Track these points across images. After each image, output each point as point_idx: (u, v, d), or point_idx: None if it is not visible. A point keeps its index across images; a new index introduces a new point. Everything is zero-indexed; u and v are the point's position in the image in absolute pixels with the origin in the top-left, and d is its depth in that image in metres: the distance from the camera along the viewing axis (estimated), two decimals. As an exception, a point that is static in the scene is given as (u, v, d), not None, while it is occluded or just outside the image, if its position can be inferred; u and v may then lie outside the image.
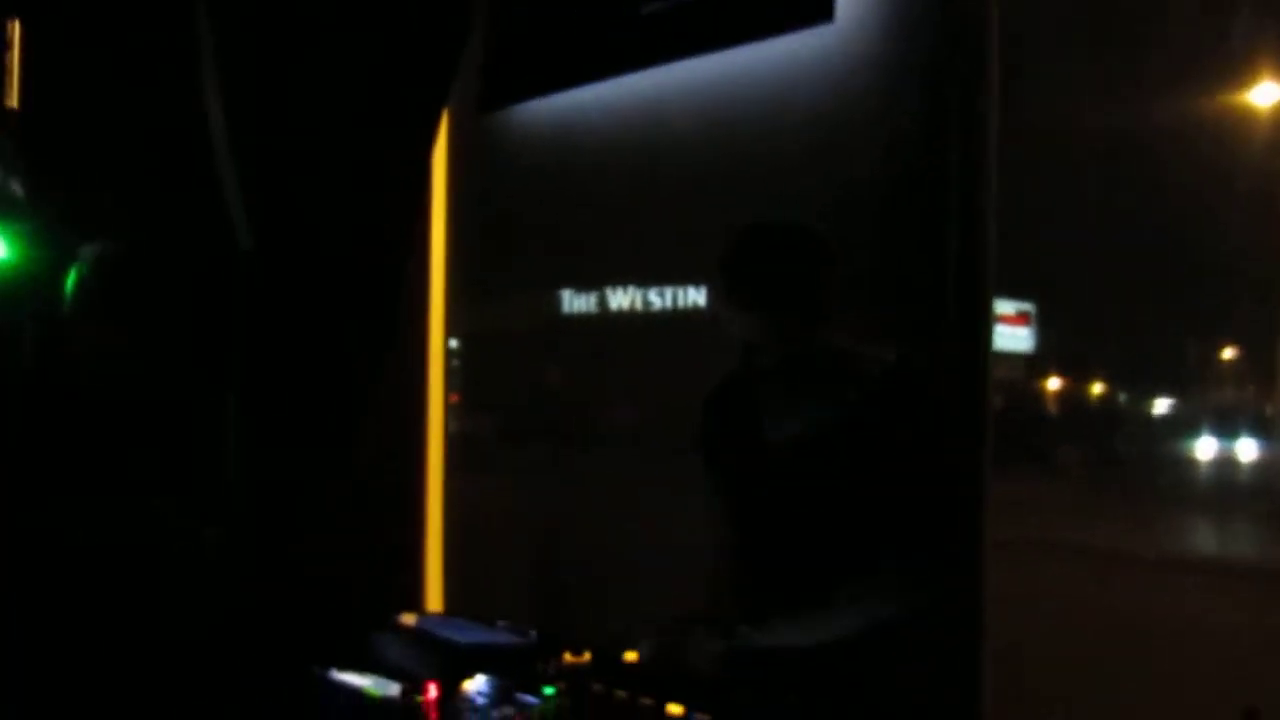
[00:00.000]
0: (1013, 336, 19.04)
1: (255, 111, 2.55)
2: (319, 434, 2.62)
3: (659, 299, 4.14)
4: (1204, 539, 9.95)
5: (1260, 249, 16.10)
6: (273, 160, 2.58)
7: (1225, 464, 15.47)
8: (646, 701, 1.41)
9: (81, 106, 2.65)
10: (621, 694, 1.44)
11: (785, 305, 1.66)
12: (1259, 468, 14.79)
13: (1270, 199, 15.07)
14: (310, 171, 2.62)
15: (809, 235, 1.70)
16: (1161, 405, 22.22)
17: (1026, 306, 19.06)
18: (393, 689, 1.45)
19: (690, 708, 1.39)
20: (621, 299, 4.21)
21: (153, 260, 2.47)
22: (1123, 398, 23.28)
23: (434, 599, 3.17)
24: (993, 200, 2.38)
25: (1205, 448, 17.01)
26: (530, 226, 4.06)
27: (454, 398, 4.39)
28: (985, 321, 2.46)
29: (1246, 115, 14.07)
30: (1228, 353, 22.02)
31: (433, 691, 1.42)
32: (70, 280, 2.15)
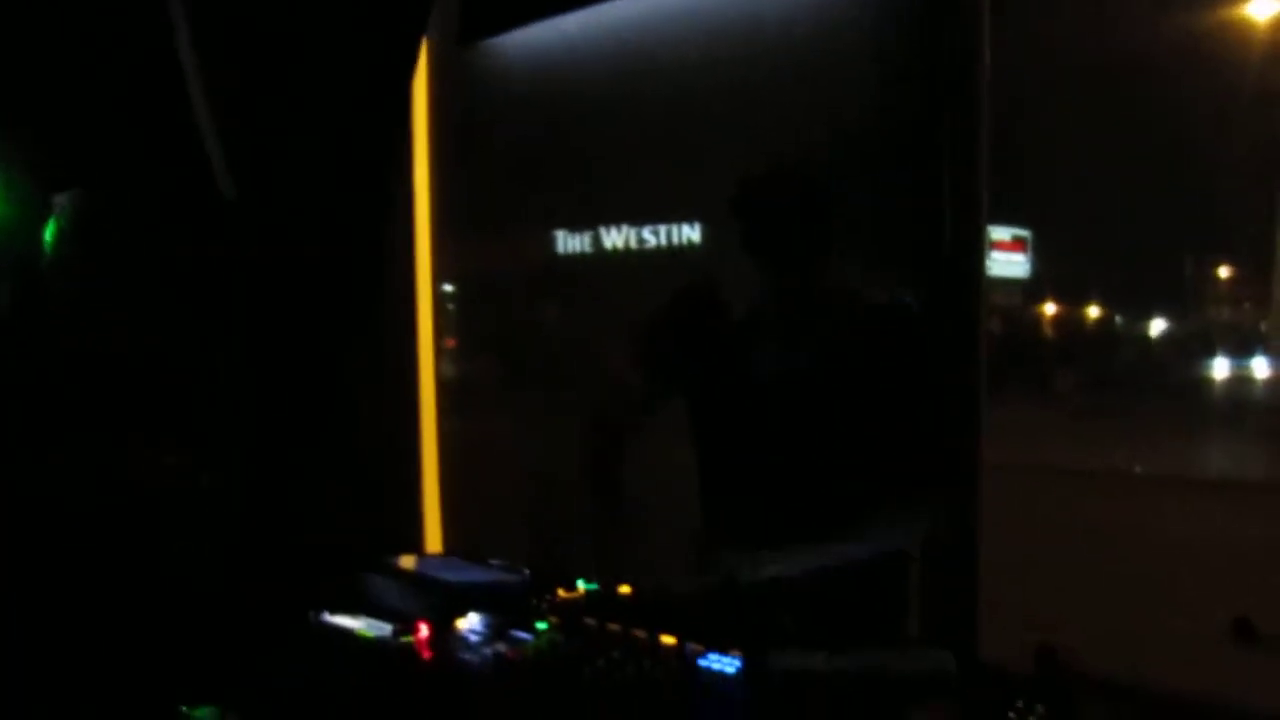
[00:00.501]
0: (1009, 263, 18.98)
1: (230, 52, 2.48)
2: (309, 378, 2.61)
3: (653, 237, 4.10)
4: (1193, 457, 10.03)
5: (1258, 166, 15.97)
6: (250, 103, 2.52)
7: (1224, 384, 15.49)
8: (640, 634, 1.41)
9: (51, 52, 2.59)
10: (615, 627, 1.44)
11: (786, 249, 1.75)
12: (1255, 386, 14.81)
13: (1268, 115, 14.90)
14: (290, 114, 2.57)
15: (808, 181, 1.77)
16: (1158, 326, 22.24)
17: (1023, 233, 18.96)
18: (385, 630, 1.45)
19: (682, 638, 1.39)
20: (615, 238, 4.16)
21: (133, 209, 2.43)
22: (1119, 320, 23.29)
23: (432, 542, 3.18)
24: (986, 123, 2.34)
25: (1217, 368, 16.99)
26: (518, 164, 3.99)
27: (450, 342, 4.36)
28: (979, 249, 2.43)
29: (1244, 29, 13.82)
30: (1224, 271, 21.98)
31: (424, 631, 1.42)
32: (49, 231, 2.12)
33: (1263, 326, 16.71)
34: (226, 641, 1.73)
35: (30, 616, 1.93)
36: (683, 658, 1.34)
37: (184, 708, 1.44)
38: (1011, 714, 1.13)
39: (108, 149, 2.48)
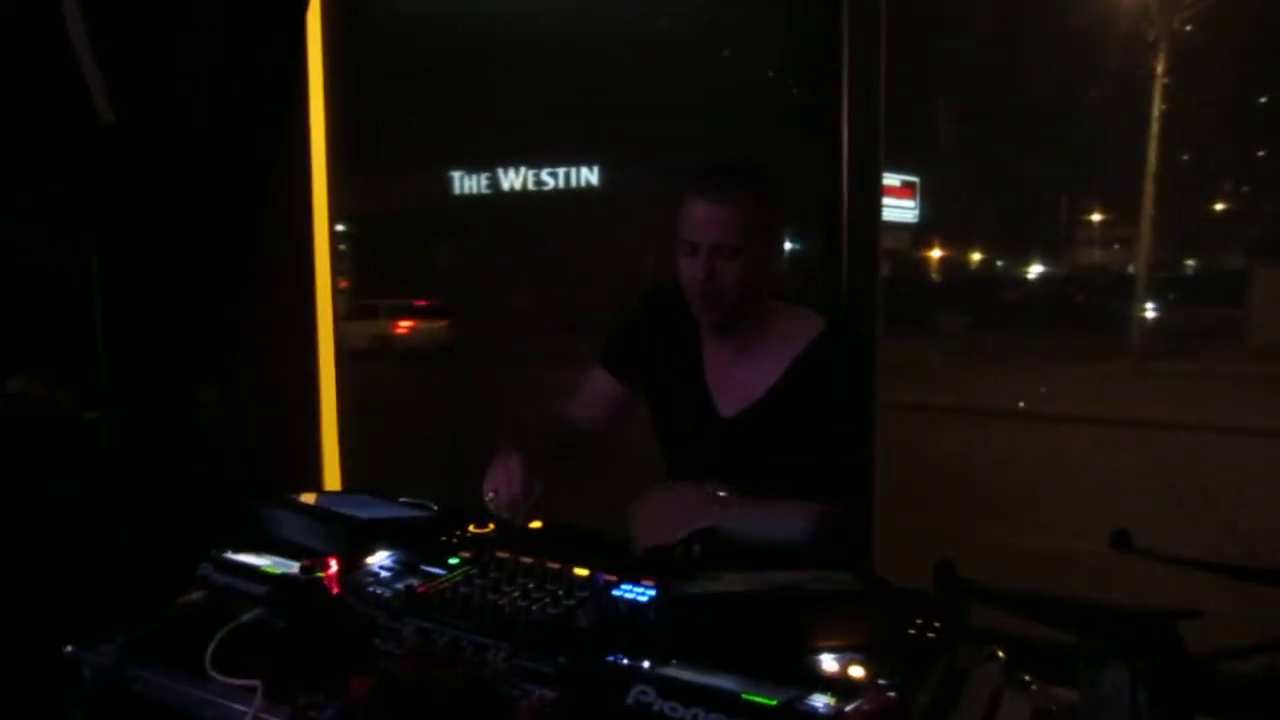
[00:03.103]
0: (899, 208, 19.42)
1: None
2: (197, 313, 2.51)
3: (551, 179, 4.05)
4: (1065, 390, 10.58)
5: (1125, 113, 16.70)
6: (132, 27, 2.37)
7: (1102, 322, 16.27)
8: (553, 565, 1.42)
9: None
10: (528, 559, 1.45)
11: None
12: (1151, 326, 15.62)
13: (1135, 63, 15.58)
14: (174, 38, 2.43)
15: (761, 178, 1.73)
16: (1035, 269, 23.21)
17: (911, 178, 19.40)
18: (292, 567, 1.42)
19: (594, 569, 1.41)
20: (513, 179, 4.10)
21: (6, 130, 2.27)
22: (1000, 263, 24.21)
23: (331, 481, 3.12)
24: (881, 72, 2.38)
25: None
26: (414, 104, 3.87)
27: (343, 283, 4.23)
28: (875, 196, 2.49)
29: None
30: (1096, 215, 23.02)
31: (334, 566, 1.39)
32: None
33: (1130, 268, 17.62)
34: (120, 580, 1.68)
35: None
36: (597, 587, 1.36)
37: (69, 648, 1.39)
38: (912, 629, 1.19)
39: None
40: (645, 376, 1.94)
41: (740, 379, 1.78)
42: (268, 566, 1.44)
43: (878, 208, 2.50)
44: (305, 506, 1.62)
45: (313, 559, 1.40)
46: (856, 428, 1.78)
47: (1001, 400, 9.99)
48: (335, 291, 3.45)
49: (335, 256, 3.57)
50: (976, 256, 24.85)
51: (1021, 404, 9.91)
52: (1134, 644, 0.97)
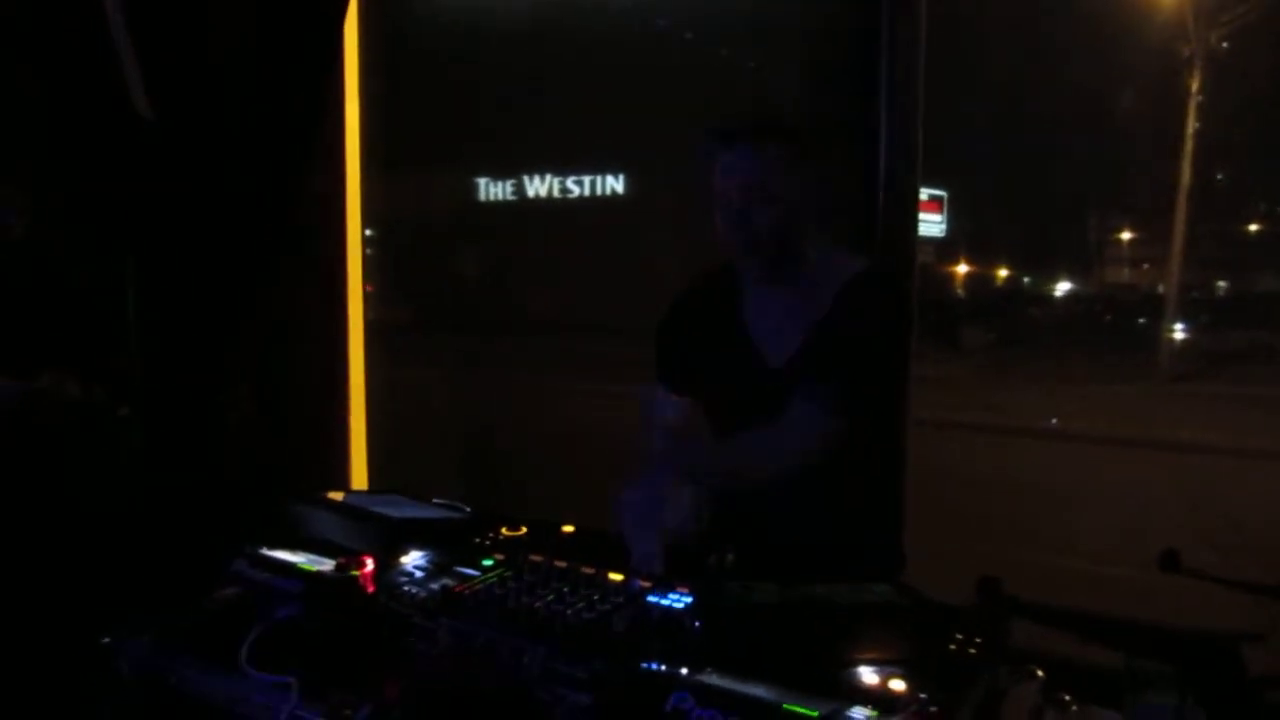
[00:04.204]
0: (926, 222, 19.33)
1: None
2: (230, 312, 2.52)
3: (576, 187, 4.06)
4: (1088, 411, 10.47)
5: (1158, 131, 16.56)
6: (172, 26, 2.39)
7: (1129, 343, 16.08)
8: (588, 570, 1.41)
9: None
10: (562, 563, 1.44)
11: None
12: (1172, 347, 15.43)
13: (1170, 80, 15.44)
14: (212, 39, 2.45)
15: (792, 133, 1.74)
16: (1062, 287, 23.03)
17: (939, 193, 19.33)
18: (326, 564, 1.42)
19: (629, 575, 1.40)
20: (539, 186, 4.11)
21: (46, 128, 2.29)
22: (1027, 280, 24.05)
23: (359, 483, 3.13)
24: (920, 88, 2.37)
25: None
26: (446, 111, 3.88)
27: (368, 287, 4.25)
28: (912, 208, 2.48)
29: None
30: (1126, 234, 22.82)
31: (369, 565, 1.39)
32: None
33: (1160, 288, 17.43)
34: (153, 573, 1.68)
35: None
36: (632, 593, 1.35)
37: (106, 639, 1.40)
38: (952, 645, 1.17)
39: (18, 71, 2.33)
40: (695, 364, 1.92)
41: (788, 329, 1.78)
42: (303, 563, 1.44)
43: (914, 226, 2.48)
44: (340, 505, 1.62)
45: (348, 557, 1.40)
46: (884, 359, 1.75)
47: (1029, 419, 9.89)
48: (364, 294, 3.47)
49: (362, 260, 3.59)
50: (1003, 273, 24.69)
51: (1054, 421, 9.81)
52: (1194, 667, 0.94)
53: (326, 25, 2.69)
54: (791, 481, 1.72)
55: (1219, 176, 19.08)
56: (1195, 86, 14.62)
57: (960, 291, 23.03)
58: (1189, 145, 14.64)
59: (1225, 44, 14.81)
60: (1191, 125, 14.65)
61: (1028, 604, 1.10)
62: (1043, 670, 1.24)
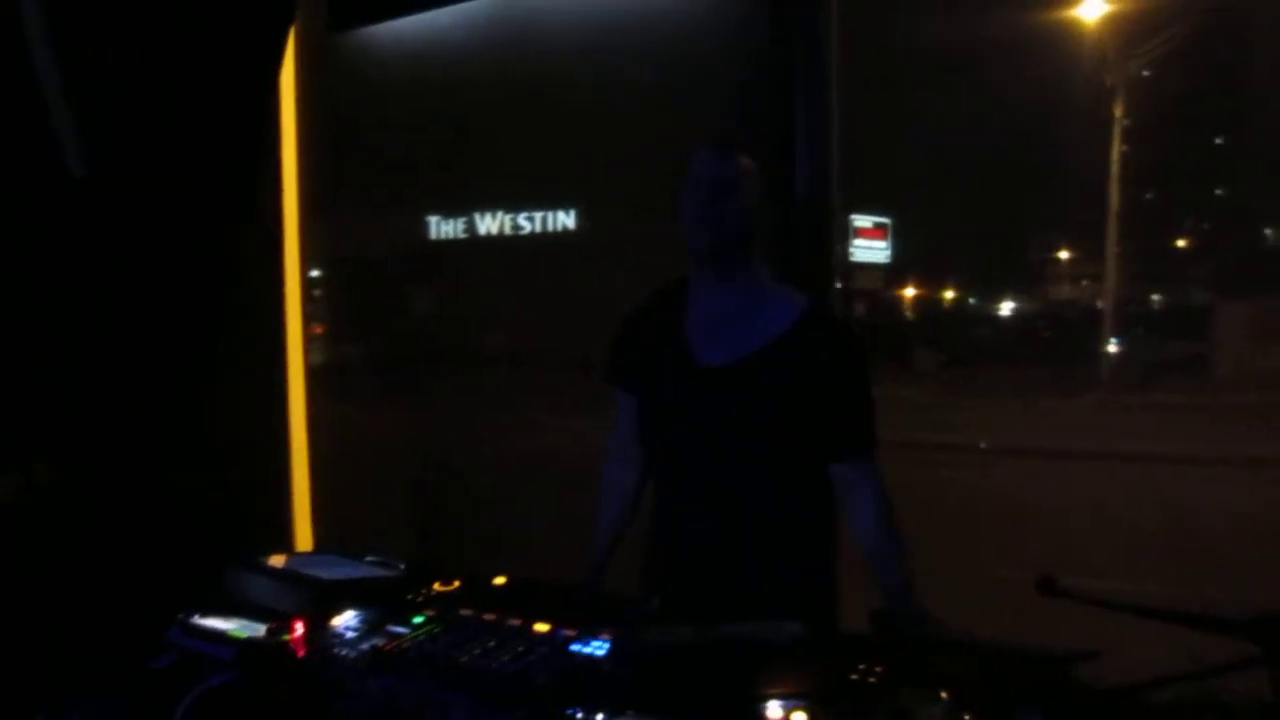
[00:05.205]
0: (871, 248, 19.69)
1: (83, 24, 2.36)
2: (166, 368, 2.52)
3: (528, 223, 4.12)
4: (1035, 428, 10.68)
5: (1088, 155, 17.10)
6: (105, 78, 2.40)
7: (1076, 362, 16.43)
8: (515, 621, 1.46)
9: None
10: (490, 616, 1.48)
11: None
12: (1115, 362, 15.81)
13: (1096, 107, 15.99)
14: (147, 90, 2.45)
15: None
16: (1007, 306, 23.52)
17: (884, 220, 19.71)
18: (258, 629, 1.45)
19: (556, 624, 1.44)
20: (490, 224, 4.16)
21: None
22: (973, 300, 24.54)
23: (303, 540, 3.14)
24: (835, 114, 2.46)
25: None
26: (390, 151, 3.93)
27: (317, 329, 4.25)
28: (828, 234, 2.56)
29: (1074, 28, 14.78)
30: (1064, 254, 23.41)
31: (299, 629, 1.42)
32: None
33: (1099, 303, 17.88)
34: (86, 646, 1.68)
35: None
36: (555, 642, 1.40)
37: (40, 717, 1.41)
38: (854, 676, 1.24)
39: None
40: (636, 363, 2.01)
41: (722, 335, 1.88)
42: (235, 630, 1.47)
43: (829, 249, 2.57)
44: (272, 568, 1.65)
45: (279, 622, 1.43)
46: (869, 402, 1.88)
47: (981, 436, 10.07)
48: (309, 339, 3.47)
49: (310, 302, 3.61)
50: (950, 294, 25.18)
51: (1000, 438, 9.98)
52: (1034, 686, 1.01)
53: (262, 74, 2.72)
54: (733, 530, 1.83)
55: (1148, 196, 19.74)
56: (1119, 113, 15.16)
57: (909, 314, 23.43)
58: (1115, 168, 15.16)
59: (1146, 72, 15.41)
60: (1118, 149, 15.18)
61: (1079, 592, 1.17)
62: (947, 693, 1.31)
